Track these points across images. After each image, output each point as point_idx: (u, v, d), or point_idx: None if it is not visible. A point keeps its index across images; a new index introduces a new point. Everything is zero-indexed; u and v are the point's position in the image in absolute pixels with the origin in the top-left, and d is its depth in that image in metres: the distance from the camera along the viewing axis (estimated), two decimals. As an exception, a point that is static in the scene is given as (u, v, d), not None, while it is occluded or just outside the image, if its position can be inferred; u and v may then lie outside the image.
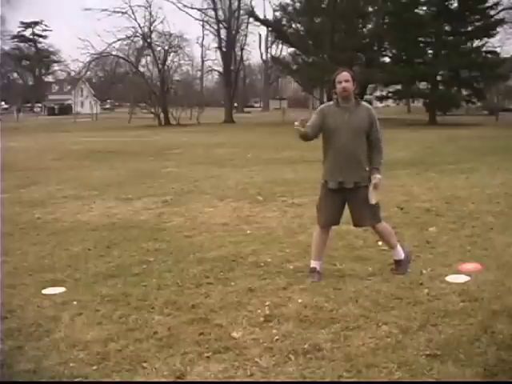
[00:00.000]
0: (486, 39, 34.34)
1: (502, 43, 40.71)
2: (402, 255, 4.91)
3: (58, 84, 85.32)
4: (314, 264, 4.82)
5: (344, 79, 4.66)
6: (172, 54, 41.30)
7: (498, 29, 34.53)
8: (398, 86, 37.14)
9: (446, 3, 33.25)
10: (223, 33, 44.26)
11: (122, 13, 39.24)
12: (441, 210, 7.38)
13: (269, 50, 66.63)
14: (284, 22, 40.35)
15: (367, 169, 4.73)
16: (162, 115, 38.70)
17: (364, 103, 4.84)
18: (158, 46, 40.67)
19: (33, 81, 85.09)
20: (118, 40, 38.94)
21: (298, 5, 38.62)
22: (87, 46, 42.92)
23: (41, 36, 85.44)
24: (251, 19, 44.47)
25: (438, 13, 32.76)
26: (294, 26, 40.31)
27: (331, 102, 4.85)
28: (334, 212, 4.80)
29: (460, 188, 9.10)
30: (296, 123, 4.58)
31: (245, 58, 56.97)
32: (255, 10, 44.64)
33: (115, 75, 43.79)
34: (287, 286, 4.56)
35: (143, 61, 42.03)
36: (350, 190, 4.70)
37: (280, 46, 56.95)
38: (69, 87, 76.08)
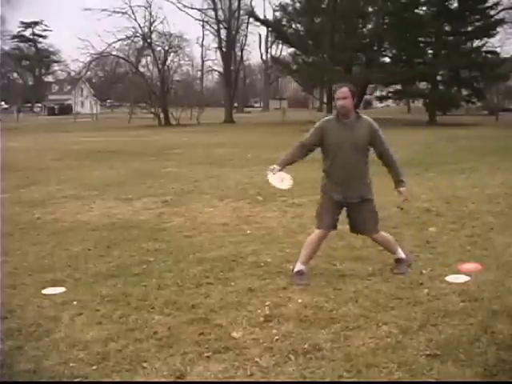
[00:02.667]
0: (486, 39, 34.35)
1: (502, 43, 40.94)
2: (403, 255, 4.96)
3: (58, 84, 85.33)
4: (302, 268, 4.75)
5: (342, 96, 4.61)
6: (172, 54, 41.33)
7: (498, 29, 34.55)
8: (398, 86, 37.15)
9: (446, 3, 33.22)
10: (223, 33, 44.27)
11: (122, 13, 39.29)
12: (441, 210, 7.38)
13: (269, 50, 66.79)
14: (284, 22, 40.33)
15: (368, 181, 4.78)
16: (162, 115, 38.70)
17: (365, 117, 4.77)
18: (158, 46, 40.71)
19: (33, 81, 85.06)
20: (118, 40, 39.01)
21: (297, 5, 38.63)
22: (87, 46, 43.24)
23: (41, 36, 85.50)
24: (251, 19, 44.54)
25: (438, 13, 32.75)
26: (294, 26, 40.30)
27: (332, 117, 4.81)
28: (335, 218, 4.82)
29: (460, 188, 9.10)
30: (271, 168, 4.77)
31: (245, 58, 57.05)
32: (255, 10, 44.75)
33: (115, 75, 43.71)
34: (287, 286, 4.56)
35: (143, 61, 42.07)
36: (355, 204, 4.74)
37: (280, 46, 57.11)
38: (69, 87, 76.09)
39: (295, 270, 4.77)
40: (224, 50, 44.27)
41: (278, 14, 41.57)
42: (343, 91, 4.62)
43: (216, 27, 44.78)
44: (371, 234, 4.92)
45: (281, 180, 4.84)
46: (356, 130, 4.66)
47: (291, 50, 42.43)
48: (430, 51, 34.69)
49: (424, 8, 34.85)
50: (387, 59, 37.59)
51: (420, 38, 34.35)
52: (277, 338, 3.60)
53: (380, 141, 4.75)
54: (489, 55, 34.59)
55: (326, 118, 4.90)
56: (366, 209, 4.77)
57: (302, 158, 4.88)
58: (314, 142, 4.79)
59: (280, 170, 4.79)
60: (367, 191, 4.77)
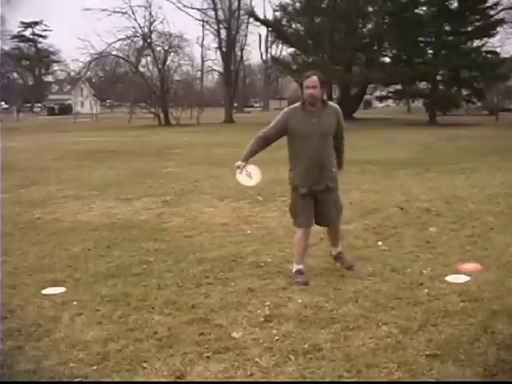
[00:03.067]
0: (485, 39, 34.33)
1: (502, 43, 40.99)
2: (340, 248, 5.04)
3: (58, 84, 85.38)
4: (300, 267, 4.78)
5: (312, 85, 4.56)
6: (172, 54, 41.32)
7: (498, 29, 34.55)
8: (398, 86, 37.13)
9: (446, 3, 33.22)
10: (223, 33, 44.21)
11: (122, 13, 39.27)
12: (441, 210, 7.38)
13: (269, 50, 66.76)
14: (284, 22, 40.32)
15: (334, 170, 4.78)
16: (161, 115, 38.70)
17: (330, 103, 4.76)
18: (158, 45, 40.69)
19: (33, 81, 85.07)
20: (118, 40, 39.00)
21: (297, 5, 38.61)
22: (87, 46, 43.34)
23: (41, 36, 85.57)
24: (251, 19, 44.45)
25: (438, 13, 32.75)
26: (294, 25, 40.30)
27: (297, 105, 4.74)
28: (310, 212, 4.81)
29: (460, 188, 9.10)
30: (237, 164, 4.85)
31: (245, 58, 57.02)
32: (255, 9, 44.70)
33: (115, 75, 43.69)
34: (287, 286, 4.57)
35: (143, 61, 42.04)
36: (321, 191, 4.74)
37: (280, 46, 57.04)
38: (69, 87, 76.09)
39: (293, 270, 4.78)
40: (224, 49, 44.23)
41: (277, 13, 41.54)
42: (313, 80, 4.57)
43: (216, 27, 44.76)
44: (335, 223, 4.93)
45: (249, 177, 4.87)
46: (323, 118, 4.63)
47: (291, 49, 42.50)
48: (430, 51, 34.69)
49: (424, 8, 34.84)
50: (387, 59, 37.63)
51: (420, 38, 34.35)
52: (277, 338, 3.60)
53: (342, 126, 4.77)
54: (489, 55, 34.57)
55: (292, 106, 4.82)
56: (330, 198, 4.78)
57: (262, 150, 4.97)
58: (277, 130, 4.78)
59: (245, 166, 4.84)
60: (332, 180, 4.76)
